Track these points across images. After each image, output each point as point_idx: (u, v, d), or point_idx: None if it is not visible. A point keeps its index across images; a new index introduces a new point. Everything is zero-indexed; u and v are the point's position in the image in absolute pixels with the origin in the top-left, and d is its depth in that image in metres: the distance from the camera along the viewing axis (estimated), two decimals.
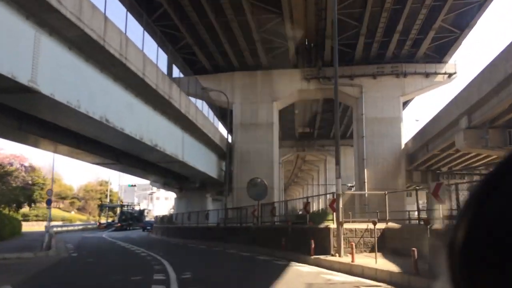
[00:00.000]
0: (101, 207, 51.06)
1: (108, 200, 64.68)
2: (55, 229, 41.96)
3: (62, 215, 58.77)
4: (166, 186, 37.17)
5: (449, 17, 24.50)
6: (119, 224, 49.72)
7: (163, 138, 20.93)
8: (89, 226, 52.14)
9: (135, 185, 62.72)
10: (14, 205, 43.03)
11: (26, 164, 47.76)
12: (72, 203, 71.22)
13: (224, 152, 29.90)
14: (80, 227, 51.17)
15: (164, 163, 25.33)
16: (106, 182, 76.86)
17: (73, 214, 69.86)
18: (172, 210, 49.65)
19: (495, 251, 0.53)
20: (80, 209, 73.55)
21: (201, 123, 25.32)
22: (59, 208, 72.63)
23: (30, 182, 47.17)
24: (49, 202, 26.20)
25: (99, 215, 50.34)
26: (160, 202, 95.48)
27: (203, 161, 28.34)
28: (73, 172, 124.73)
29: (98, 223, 50.55)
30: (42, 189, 49.71)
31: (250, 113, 31.05)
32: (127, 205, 58.29)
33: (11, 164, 44.74)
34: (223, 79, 31.58)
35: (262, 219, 19.27)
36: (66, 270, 12.09)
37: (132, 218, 54.71)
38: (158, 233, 36.80)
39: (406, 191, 28.02)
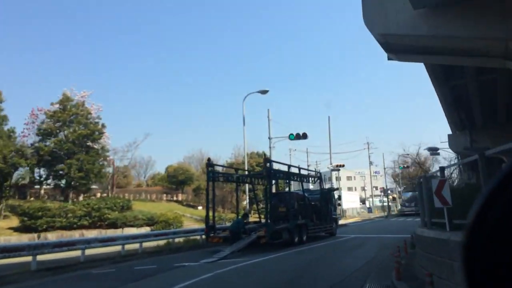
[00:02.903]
0: (209, 178, 18.24)
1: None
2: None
3: (157, 214, 28.32)
4: None
5: None
6: (263, 234, 16.35)
7: None
8: (195, 237, 20.08)
9: (304, 135, 28.00)
10: None
11: None
12: (196, 192, 41.50)
13: None
14: (183, 238, 19.62)
15: None
16: (259, 154, 44.44)
17: (200, 210, 40.99)
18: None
19: (493, 256, 0.59)
20: (217, 202, 44.05)
21: None
22: (176, 201, 44.73)
23: None
24: None
25: (209, 206, 17.40)
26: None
27: None
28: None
29: (205, 230, 18.04)
30: None
31: None
32: (287, 177, 22.43)
33: None
34: None
35: None
36: None
37: (304, 210, 20.91)
38: None
39: None
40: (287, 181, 21.51)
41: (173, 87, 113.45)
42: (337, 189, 29.98)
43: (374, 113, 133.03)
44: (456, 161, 39.08)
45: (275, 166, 19.83)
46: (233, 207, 30.30)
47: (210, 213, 19.33)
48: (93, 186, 41.69)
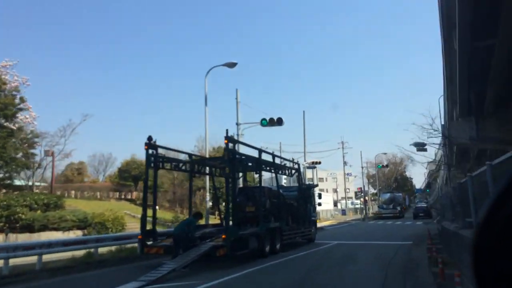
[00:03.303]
0: (149, 163, 13.93)
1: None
2: None
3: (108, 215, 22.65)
4: None
5: None
6: (221, 242, 11.40)
7: None
8: (133, 245, 15.02)
9: (279, 121, 23.55)
10: None
11: None
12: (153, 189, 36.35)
13: None
14: (115, 246, 13.78)
15: None
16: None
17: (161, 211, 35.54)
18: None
19: (503, 257, 0.58)
20: (176, 201, 38.66)
21: None
22: (128, 199, 38.90)
23: None
24: None
25: (147, 203, 12.87)
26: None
27: None
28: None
29: (140, 236, 13.30)
30: None
31: None
32: (257, 165, 15.84)
33: None
34: None
35: None
36: None
37: (277, 211, 16.07)
38: None
39: None
40: (257, 172, 16.67)
41: (136, 83, 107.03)
42: (317, 185, 25.34)
43: (349, 112, 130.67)
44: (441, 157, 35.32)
45: (243, 151, 14.92)
46: (195, 207, 25.28)
47: (150, 213, 14.30)
48: (38, 183, 35.51)
